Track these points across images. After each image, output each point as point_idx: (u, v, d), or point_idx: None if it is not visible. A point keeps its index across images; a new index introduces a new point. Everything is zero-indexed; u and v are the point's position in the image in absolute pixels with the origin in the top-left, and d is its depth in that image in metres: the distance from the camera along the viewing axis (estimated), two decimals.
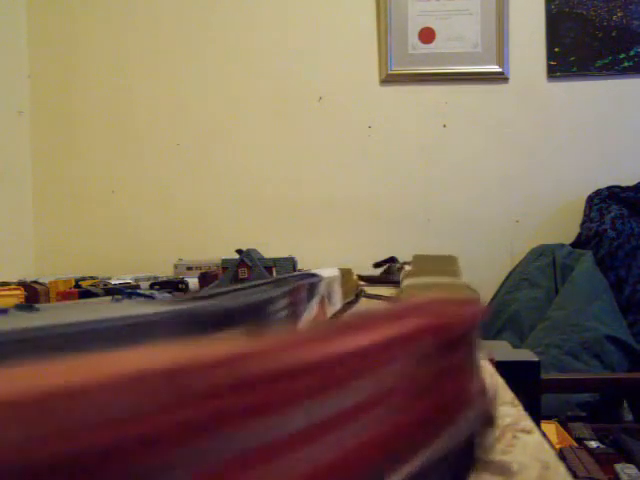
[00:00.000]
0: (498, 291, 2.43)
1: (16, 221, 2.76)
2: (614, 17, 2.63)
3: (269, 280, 0.60)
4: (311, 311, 0.66)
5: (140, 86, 2.80)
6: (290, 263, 1.41)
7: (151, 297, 0.73)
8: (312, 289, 0.65)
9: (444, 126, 2.72)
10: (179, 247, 2.59)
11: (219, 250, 2.01)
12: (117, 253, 2.74)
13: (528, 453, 0.45)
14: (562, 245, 2.41)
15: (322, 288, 0.68)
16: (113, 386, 0.12)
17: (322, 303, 0.70)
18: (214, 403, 0.13)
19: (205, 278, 1.52)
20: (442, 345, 0.25)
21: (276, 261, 1.37)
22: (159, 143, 2.79)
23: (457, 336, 0.27)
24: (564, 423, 1.59)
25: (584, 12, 2.64)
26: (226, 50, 2.77)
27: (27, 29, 2.82)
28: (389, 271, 2.49)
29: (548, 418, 1.61)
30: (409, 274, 1.18)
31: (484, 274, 2.61)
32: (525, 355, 1.19)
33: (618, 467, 1.27)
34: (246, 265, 1.26)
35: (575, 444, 1.42)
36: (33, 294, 1.35)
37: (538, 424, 1.13)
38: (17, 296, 1.24)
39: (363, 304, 1.65)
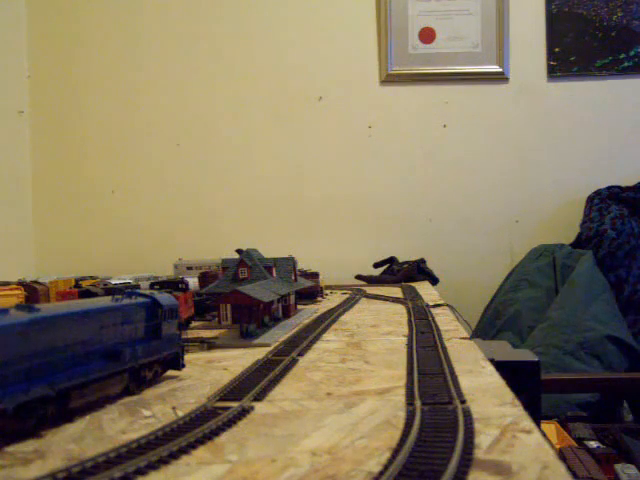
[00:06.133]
0: (498, 291, 2.42)
1: (16, 221, 2.75)
2: (614, 17, 2.63)
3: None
4: None
5: (140, 86, 2.80)
6: (290, 263, 1.41)
7: (151, 297, 0.73)
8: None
9: (444, 126, 2.72)
10: (179, 247, 2.59)
11: (219, 250, 2.01)
12: (117, 253, 2.74)
13: (528, 453, 0.45)
14: (562, 245, 2.41)
15: None
16: None
17: None
18: None
19: (205, 278, 1.51)
20: None
21: (276, 261, 1.37)
22: (159, 143, 2.79)
23: None
24: (564, 423, 1.58)
25: (584, 12, 2.64)
26: (226, 50, 2.77)
27: (27, 29, 2.82)
28: (389, 271, 2.49)
29: (548, 418, 1.61)
30: None
31: (484, 274, 2.61)
32: (525, 355, 1.19)
33: (618, 467, 1.27)
34: (246, 265, 1.26)
35: (575, 444, 1.42)
36: (33, 294, 1.35)
37: (538, 424, 1.13)
38: (17, 296, 1.24)
39: (363, 304, 1.65)
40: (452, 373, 0.70)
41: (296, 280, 1.44)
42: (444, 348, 0.86)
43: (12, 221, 2.72)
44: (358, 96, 2.73)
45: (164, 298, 0.75)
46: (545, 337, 2.04)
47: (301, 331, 1.11)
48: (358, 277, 2.39)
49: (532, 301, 2.25)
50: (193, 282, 1.44)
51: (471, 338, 1.00)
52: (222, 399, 0.63)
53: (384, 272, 2.49)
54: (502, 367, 0.78)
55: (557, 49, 2.66)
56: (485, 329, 2.32)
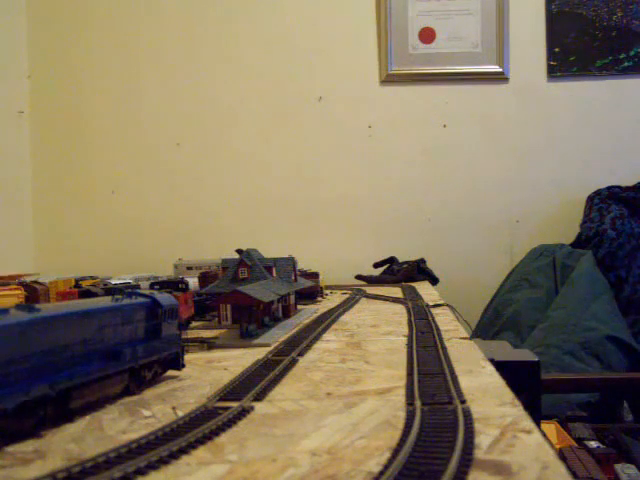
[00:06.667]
0: (498, 291, 2.42)
1: (16, 221, 2.75)
2: (614, 17, 2.63)
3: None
4: None
5: (140, 86, 2.80)
6: (290, 263, 1.41)
7: (151, 297, 0.73)
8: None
9: (444, 126, 2.72)
10: (179, 247, 2.59)
11: (219, 250, 2.01)
12: (117, 253, 2.74)
13: (528, 453, 0.45)
14: (562, 245, 2.41)
15: None
16: None
17: None
18: None
19: (205, 278, 1.51)
20: None
21: (276, 261, 1.37)
22: (159, 143, 2.79)
23: None
24: (564, 423, 1.58)
25: (584, 12, 2.64)
26: (226, 50, 2.77)
27: (27, 29, 2.82)
28: (389, 271, 2.49)
29: (548, 418, 1.61)
30: None
31: (484, 274, 2.61)
32: (525, 355, 1.19)
33: (618, 467, 1.27)
34: (246, 265, 1.26)
35: (575, 444, 1.42)
36: (33, 294, 1.35)
37: (538, 424, 1.13)
38: (17, 296, 1.24)
39: (363, 304, 1.65)
40: (452, 373, 0.70)
41: (296, 280, 1.44)
42: (444, 348, 0.86)
43: (12, 221, 2.72)
44: (358, 96, 2.73)
45: (164, 298, 0.75)
46: (545, 337, 2.04)
47: (301, 331, 1.11)
48: (358, 277, 2.39)
49: (532, 301, 2.25)
50: (193, 282, 1.44)
51: (471, 338, 1.00)
52: (222, 399, 0.63)
53: (384, 272, 2.49)
54: (502, 367, 0.78)
55: (557, 49, 2.66)
56: (485, 329, 2.32)
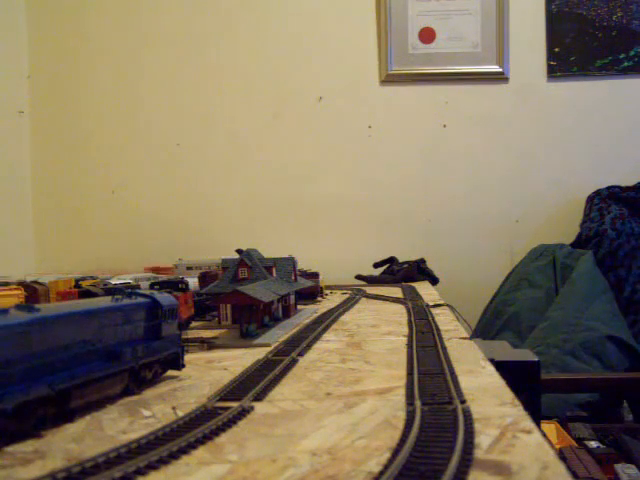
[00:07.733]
0: (498, 291, 2.42)
1: (16, 221, 2.75)
2: (614, 17, 2.63)
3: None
4: None
5: (140, 86, 2.80)
6: (290, 263, 1.41)
7: (151, 297, 0.73)
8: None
9: (444, 126, 2.72)
10: (179, 247, 2.59)
11: (219, 250, 2.01)
12: (117, 253, 2.74)
13: (528, 453, 0.45)
14: (562, 245, 2.41)
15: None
16: None
17: None
18: None
19: (205, 278, 1.51)
20: None
21: (276, 261, 1.37)
22: (159, 143, 2.79)
23: None
24: (564, 423, 1.58)
25: (584, 12, 2.64)
26: (226, 50, 2.77)
27: (27, 29, 2.82)
28: (389, 271, 2.49)
29: (548, 418, 1.61)
30: None
31: (484, 274, 2.61)
32: (525, 355, 1.19)
33: (618, 467, 1.27)
34: (246, 265, 1.26)
35: (575, 444, 1.42)
36: (33, 294, 1.35)
37: (538, 424, 1.13)
38: (17, 296, 1.24)
39: (363, 304, 1.65)
40: (452, 373, 0.70)
41: (296, 280, 1.44)
42: (444, 348, 0.86)
43: (12, 221, 2.72)
44: (358, 96, 2.73)
45: (164, 298, 0.75)
46: (545, 337, 2.04)
47: (301, 331, 1.11)
48: (358, 277, 2.39)
49: (532, 301, 2.25)
50: (193, 282, 1.44)
51: (471, 338, 1.00)
52: (222, 399, 0.63)
53: (384, 272, 2.49)
54: (502, 367, 0.78)
55: (557, 49, 2.66)
56: (485, 329, 2.32)
